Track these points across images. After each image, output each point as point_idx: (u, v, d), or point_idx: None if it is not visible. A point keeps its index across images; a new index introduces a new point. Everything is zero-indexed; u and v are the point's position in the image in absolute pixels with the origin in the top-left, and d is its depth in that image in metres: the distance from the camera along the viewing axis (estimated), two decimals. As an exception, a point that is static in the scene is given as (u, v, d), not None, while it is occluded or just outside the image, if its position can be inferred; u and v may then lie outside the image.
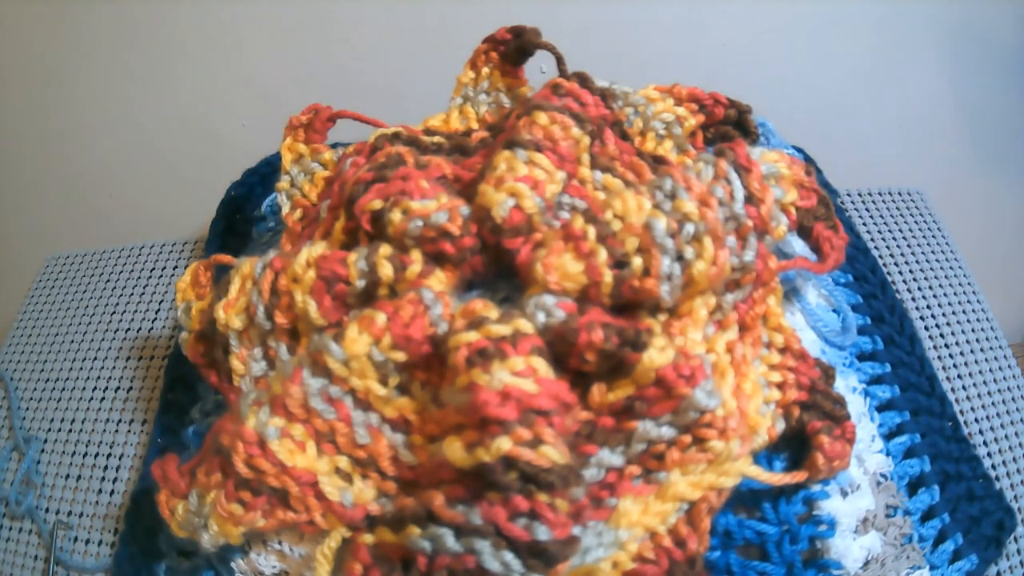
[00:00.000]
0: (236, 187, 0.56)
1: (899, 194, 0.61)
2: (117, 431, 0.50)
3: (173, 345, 0.50)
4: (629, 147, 0.39)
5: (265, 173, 0.56)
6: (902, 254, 0.57)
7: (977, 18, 0.71)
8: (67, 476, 0.49)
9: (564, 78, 0.39)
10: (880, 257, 0.56)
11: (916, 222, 0.59)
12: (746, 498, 0.32)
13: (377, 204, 0.33)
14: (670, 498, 0.29)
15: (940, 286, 0.54)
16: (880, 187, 0.61)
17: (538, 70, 0.70)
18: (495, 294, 0.34)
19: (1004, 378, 0.50)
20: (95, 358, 0.55)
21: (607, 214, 0.31)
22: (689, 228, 0.30)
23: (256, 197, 0.55)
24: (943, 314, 0.53)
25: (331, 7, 0.67)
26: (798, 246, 0.44)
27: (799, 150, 0.54)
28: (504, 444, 0.26)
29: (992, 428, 0.47)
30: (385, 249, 0.33)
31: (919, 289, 0.54)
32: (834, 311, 0.41)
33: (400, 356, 0.30)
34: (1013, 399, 0.49)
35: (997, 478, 0.45)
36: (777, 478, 0.31)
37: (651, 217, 0.30)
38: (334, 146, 0.47)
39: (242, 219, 0.55)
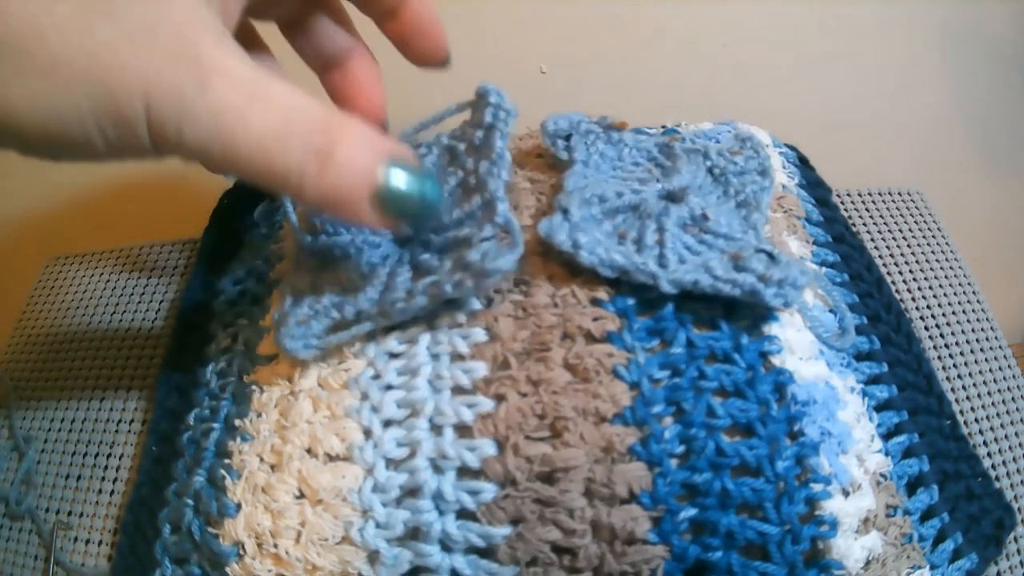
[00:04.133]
0: (228, 195, 0.56)
1: (899, 194, 0.61)
2: (117, 431, 0.50)
3: (166, 353, 0.50)
4: None
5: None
6: (902, 254, 0.56)
7: (977, 18, 0.71)
8: (67, 476, 0.49)
9: None
10: (880, 257, 0.56)
11: (916, 222, 0.59)
12: (749, 498, 0.32)
13: None
14: None
15: (940, 286, 0.54)
16: (880, 187, 0.61)
17: (538, 70, 0.70)
18: None
19: (1004, 378, 0.50)
20: (95, 358, 0.55)
21: None
22: None
23: (247, 203, 0.55)
24: (943, 314, 0.53)
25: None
26: (794, 246, 0.44)
27: (792, 148, 0.54)
28: None
29: (992, 428, 0.47)
30: None
31: (919, 289, 0.54)
32: (831, 311, 0.41)
33: None
34: (1013, 399, 0.49)
35: (997, 478, 0.45)
36: None
37: None
38: None
39: (236, 225, 0.55)
